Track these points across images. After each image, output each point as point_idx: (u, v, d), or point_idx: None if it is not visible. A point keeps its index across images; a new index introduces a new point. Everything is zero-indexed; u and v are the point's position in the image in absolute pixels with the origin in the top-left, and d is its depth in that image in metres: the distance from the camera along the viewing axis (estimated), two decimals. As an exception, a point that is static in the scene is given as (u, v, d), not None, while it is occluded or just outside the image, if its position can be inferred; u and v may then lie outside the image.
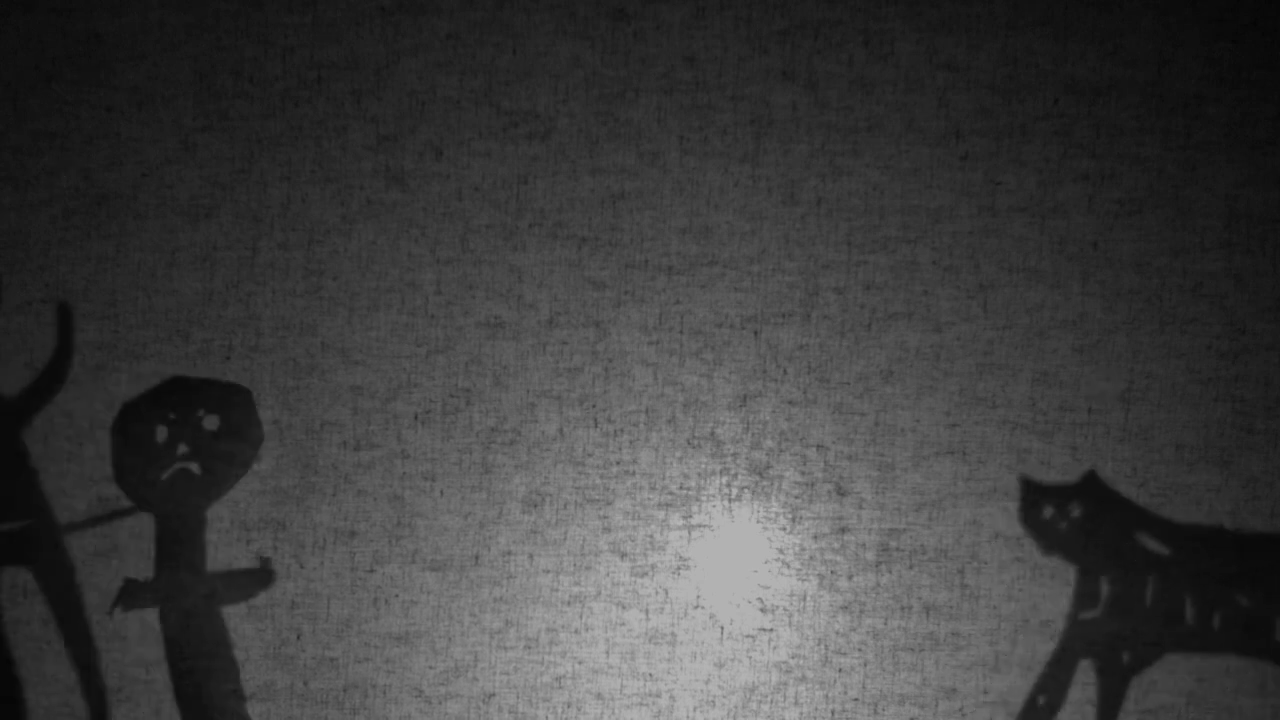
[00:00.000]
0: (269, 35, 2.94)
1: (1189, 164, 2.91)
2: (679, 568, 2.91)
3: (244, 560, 2.90)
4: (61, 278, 2.94)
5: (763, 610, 2.86)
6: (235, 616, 2.92)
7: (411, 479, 2.93)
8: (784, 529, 2.92)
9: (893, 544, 2.91)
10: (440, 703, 2.92)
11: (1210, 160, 2.91)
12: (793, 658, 2.89)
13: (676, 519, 2.90)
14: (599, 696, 2.90)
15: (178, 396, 2.88)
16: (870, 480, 2.91)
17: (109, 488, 2.93)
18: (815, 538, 2.92)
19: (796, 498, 2.91)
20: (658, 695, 2.90)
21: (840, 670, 2.90)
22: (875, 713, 2.88)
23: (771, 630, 2.88)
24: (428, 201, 2.94)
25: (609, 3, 2.93)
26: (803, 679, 2.89)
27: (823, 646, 2.89)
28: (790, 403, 2.92)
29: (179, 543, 2.85)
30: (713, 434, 2.92)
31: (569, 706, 2.91)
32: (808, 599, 2.90)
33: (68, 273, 2.94)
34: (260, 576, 2.88)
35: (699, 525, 2.90)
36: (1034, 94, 2.91)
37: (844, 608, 2.90)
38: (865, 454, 2.92)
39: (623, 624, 2.92)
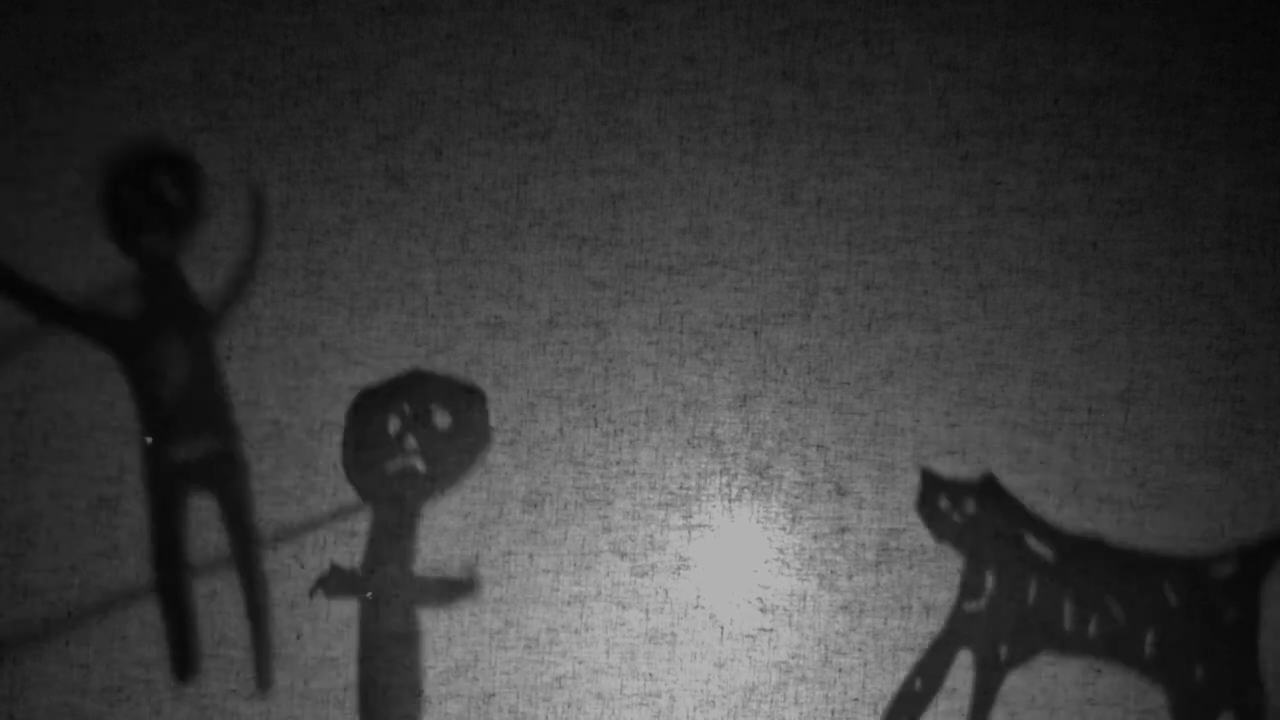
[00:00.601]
0: (269, 35, 2.94)
1: (1189, 164, 2.91)
2: (679, 568, 2.91)
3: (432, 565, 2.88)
4: (61, 278, 2.94)
5: (763, 610, 2.86)
6: (236, 616, 2.92)
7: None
8: (784, 529, 2.92)
9: (893, 544, 2.91)
10: (440, 702, 2.92)
11: (1210, 160, 2.91)
12: (793, 658, 2.89)
13: (676, 519, 2.90)
14: (599, 696, 2.90)
15: (415, 389, 2.84)
16: (870, 480, 2.91)
17: (110, 487, 2.93)
18: (815, 538, 2.92)
19: (796, 498, 2.91)
20: (658, 695, 2.90)
21: (840, 670, 2.90)
22: (875, 713, 2.88)
23: (771, 630, 2.88)
24: (428, 201, 2.94)
25: (609, 3, 2.93)
26: (803, 679, 2.89)
27: (823, 646, 2.89)
28: (790, 403, 2.92)
29: (391, 539, 2.81)
30: (713, 434, 2.92)
31: (569, 706, 2.91)
32: (808, 599, 2.90)
33: (68, 272, 2.94)
34: (463, 587, 2.85)
35: (699, 525, 2.90)
36: (1034, 94, 2.91)
37: (844, 608, 2.90)
38: (865, 454, 2.92)
39: (623, 624, 2.92)
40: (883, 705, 2.88)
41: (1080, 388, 2.91)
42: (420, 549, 2.86)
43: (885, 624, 2.88)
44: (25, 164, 2.94)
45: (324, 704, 2.92)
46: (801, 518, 2.92)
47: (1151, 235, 2.92)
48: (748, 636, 2.88)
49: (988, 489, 2.44)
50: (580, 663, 2.91)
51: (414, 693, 2.85)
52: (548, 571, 2.91)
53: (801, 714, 2.92)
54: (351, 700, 2.93)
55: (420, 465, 2.86)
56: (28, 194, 2.94)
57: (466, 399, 2.84)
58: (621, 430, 2.92)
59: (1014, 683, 2.89)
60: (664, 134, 2.93)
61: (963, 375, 2.92)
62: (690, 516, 2.92)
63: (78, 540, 2.93)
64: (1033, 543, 2.44)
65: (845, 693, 2.90)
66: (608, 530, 2.91)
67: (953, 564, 2.88)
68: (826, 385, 2.92)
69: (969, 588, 2.43)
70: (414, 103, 2.94)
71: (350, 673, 2.93)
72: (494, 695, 2.92)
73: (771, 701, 2.91)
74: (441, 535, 2.92)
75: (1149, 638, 2.41)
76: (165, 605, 2.85)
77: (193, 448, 2.74)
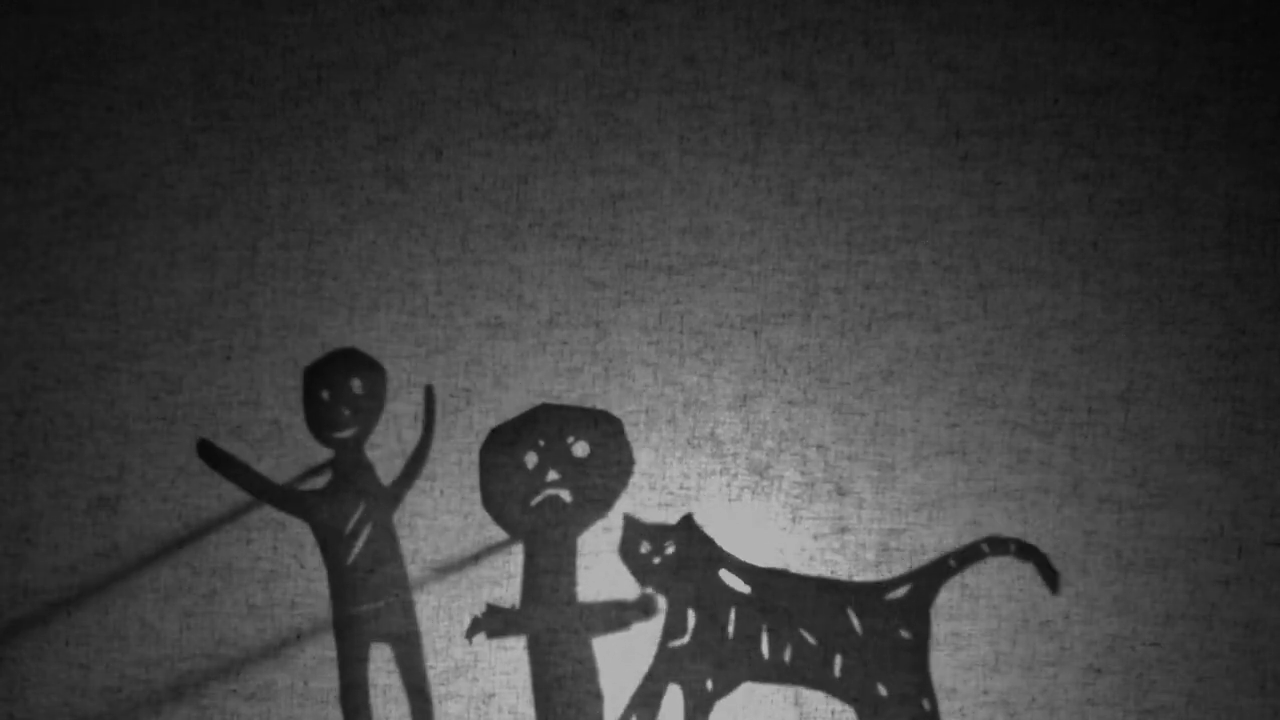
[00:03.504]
0: (269, 35, 2.94)
1: (1189, 164, 2.91)
2: (679, 567, 2.90)
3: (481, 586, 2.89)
4: (61, 278, 2.94)
5: (763, 610, 2.86)
6: (236, 616, 2.92)
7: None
8: (784, 529, 2.92)
9: (893, 544, 2.90)
10: (440, 702, 2.92)
11: (1210, 160, 2.91)
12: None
13: (677, 519, 2.90)
14: (599, 697, 2.90)
15: (548, 423, 2.86)
16: (870, 480, 2.91)
17: (110, 487, 2.93)
18: (815, 538, 2.91)
19: (796, 498, 2.91)
20: (657, 695, 2.89)
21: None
22: (875, 712, 2.87)
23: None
24: (428, 201, 2.94)
25: (609, 3, 2.93)
26: (803, 679, 2.88)
27: (822, 647, 2.88)
28: (790, 403, 2.92)
29: (546, 572, 2.82)
30: (713, 434, 2.92)
31: (569, 706, 2.91)
32: (808, 599, 2.90)
33: (68, 273, 2.94)
34: (641, 607, 2.83)
35: (699, 525, 2.90)
36: (1034, 94, 2.91)
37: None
38: (865, 454, 2.92)
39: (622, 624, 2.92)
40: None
41: (1080, 388, 2.91)
42: (578, 579, 2.86)
43: (885, 624, 2.88)
44: (25, 164, 2.94)
45: (324, 704, 2.92)
46: (801, 518, 2.92)
47: (1151, 235, 2.92)
48: (748, 636, 2.88)
49: (685, 529, 2.54)
50: (580, 663, 2.91)
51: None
52: (548, 572, 2.91)
53: (801, 714, 2.92)
54: (353, 699, 2.93)
55: (565, 495, 2.86)
56: (28, 194, 2.94)
57: (603, 427, 2.85)
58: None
59: (1014, 682, 2.89)
60: (664, 134, 2.93)
61: (963, 375, 2.92)
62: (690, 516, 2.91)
63: (78, 540, 2.93)
64: (729, 578, 2.56)
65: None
66: (608, 530, 2.91)
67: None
68: (826, 385, 2.92)
69: (672, 626, 2.55)
70: (414, 103, 2.94)
71: (352, 672, 2.93)
72: (494, 695, 2.92)
73: (771, 701, 2.91)
74: (442, 535, 2.92)
75: (837, 661, 2.56)
76: None
77: (374, 608, 2.90)
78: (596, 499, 2.87)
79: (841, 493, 2.90)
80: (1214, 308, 2.90)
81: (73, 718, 2.92)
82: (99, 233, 2.94)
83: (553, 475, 2.88)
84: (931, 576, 2.55)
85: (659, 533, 2.55)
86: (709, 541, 2.57)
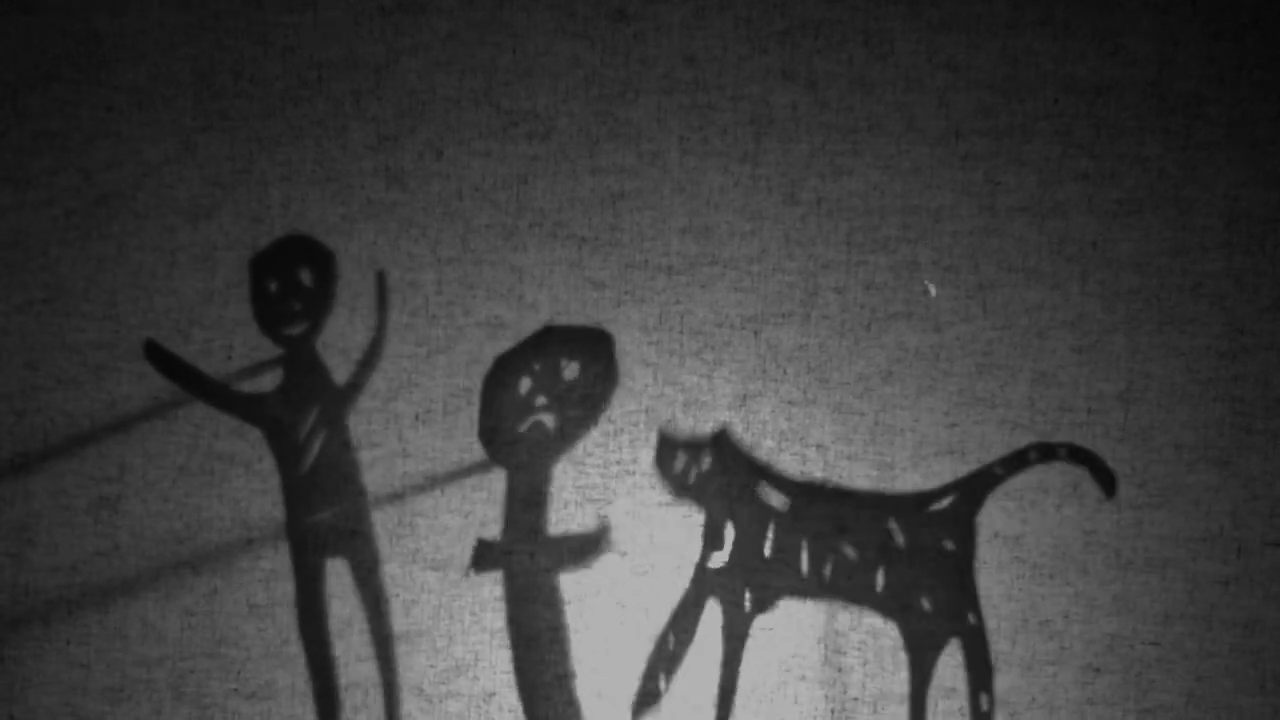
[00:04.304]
0: (269, 35, 2.94)
1: (1189, 164, 2.91)
2: (679, 567, 2.90)
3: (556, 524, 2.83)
4: (61, 278, 2.94)
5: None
6: (236, 616, 2.92)
7: (412, 478, 2.93)
8: (784, 529, 2.92)
9: (893, 544, 2.91)
10: (441, 701, 2.93)
11: (1210, 160, 2.91)
12: (793, 657, 2.89)
13: (676, 519, 2.90)
14: (599, 696, 2.91)
15: (546, 346, 2.79)
16: (870, 480, 2.91)
17: (110, 487, 2.93)
18: (815, 537, 2.91)
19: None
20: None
21: (840, 670, 2.90)
22: (875, 712, 2.88)
23: (771, 630, 2.88)
24: (428, 201, 2.94)
25: (609, 3, 2.93)
26: (803, 679, 2.89)
27: (822, 646, 2.89)
28: (790, 403, 2.92)
29: (523, 502, 2.76)
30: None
31: (569, 706, 2.91)
32: (808, 599, 2.90)
33: (68, 273, 2.94)
34: (596, 539, 2.77)
35: (699, 525, 2.90)
36: (1034, 94, 2.91)
37: (844, 607, 2.90)
38: (865, 454, 2.92)
39: (623, 623, 2.92)
40: (882, 704, 2.88)
41: (1080, 388, 2.91)
42: (549, 509, 2.83)
43: (885, 624, 2.88)
44: (25, 164, 2.94)
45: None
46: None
47: (1151, 235, 2.92)
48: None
49: (721, 443, 2.47)
50: (580, 662, 2.91)
51: (557, 640, 2.82)
52: (548, 571, 2.91)
53: (801, 714, 2.92)
54: (352, 699, 2.93)
55: (549, 420, 2.79)
56: (28, 194, 2.94)
57: (596, 347, 2.79)
58: (621, 430, 2.92)
59: (1014, 682, 2.90)
60: (664, 134, 2.93)
61: (963, 375, 2.92)
62: (690, 516, 2.92)
63: (78, 540, 2.93)
64: (767, 492, 2.49)
65: (845, 693, 2.90)
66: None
67: (952, 564, 2.88)
68: (826, 385, 2.92)
69: (710, 540, 2.48)
70: (414, 103, 2.94)
71: (353, 672, 2.93)
72: (494, 694, 2.92)
73: (771, 701, 2.91)
74: (443, 535, 2.92)
75: (879, 575, 2.49)
76: (311, 664, 2.88)
77: (326, 514, 2.85)
78: (576, 422, 2.85)
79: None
80: (1214, 308, 2.90)
81: (73, 718, 2.92)
82: (99, 233, 2.94)
83: (540, 400, 2.86)
84: (976, 486, 2.47)
85: (694, 446, 2.49)
86: (746, 455, 2.51)
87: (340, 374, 2.87)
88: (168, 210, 2.94)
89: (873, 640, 2.89)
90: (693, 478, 2.49)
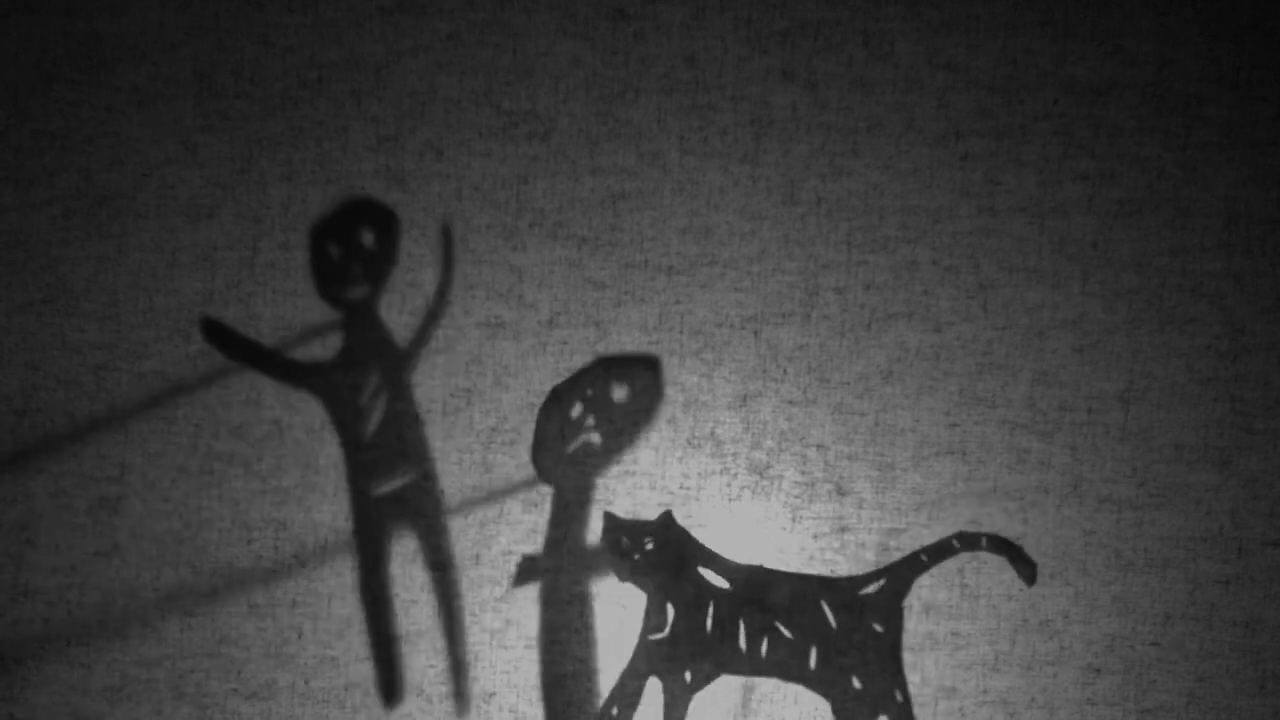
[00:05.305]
0: (269, 35, 2.94)
1: (1189, 164, 2.91)
2: (679, 567, 2.90)
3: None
4: (62, 278, 2.94)
5: (763, 610, 2.86)
6: (236, 616, 2.93)
7: (412, 478, 2.93)
8: (784, 529, 2.92)
9: (893, 544, 2.91)
10: (441, 701, 2.93)
11: (1210, 160, 2.91)
12: (793, 657, 2.89)
13: (677, 518, 2.90)
14: (599, 696, 2.91)
15: (598, 372, 2.88)
16: (870, 480, 2.91)
17: (110, 487, 2.93)
18: (815, 537, 2.92)
19: (796, 498, 2.92)
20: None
21: (840, 670, 2.89)
22: (875, 712, 2.88)
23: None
24: (428, 201, 2.94)
25: (609, 3, 2.93)
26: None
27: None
28: (790, 403, 2.92)
29: (570, 517, 2.81)
30: (713, 434, 2.92)
31: (569, 706, 2.91)
32: (808, 599, 2.90)
33: (68, 273, 2.94)
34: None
35: (699, 525, 2.90)
36: (1034, 94, 2.92)
37: (844, 607, 2.90)
38: (865, 454, 2.92)
39: (623, 623, 2.92)
40: (882, 704, 2.88)
41: (1080, 388, 2.91)
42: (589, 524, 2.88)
43: (885, 624, 2.88)
44: (26, 164, 2.94)
45: (324, 704, 2.93)
46: (801, 518, 2.92)
47: (1151, 235, 2.92)
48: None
49: (665, 526, 2.56)
50: (580, 662, 2.91)
51: (592, 676, 2.84)
52: (548, 571, 2.91)
53: (801, 714, 2.92)
54: (352, 699, 2.93)
55: (596, 439, 2.88)
56: (28, 194, 2.94)
57: (642, 369, 2.86)
58: (621, 431, 2.92)
59: (1014, 682, 2.90)
60: (664, 134, 2.93)
61: (963, 375, 2.92)
62: (690, 516, 2.92)
63: (78, 540, 2.93)
64: (707, 573, 2.58)
65: (845, 692, 2.90)
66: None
67: (953, 564, 2.88)
68: (826, 385, 2.93)
69: (651, 620, 2.57)
70: (414, 103, 2.94)
71: (353, 672, 2.93)
72: (494, 694, 2.92)
73: (771, 701, 2.91)
74: (442, 534, 2.92)
75: (813, 654, 2.58)
76: (373, 635, 2.88)
77: (392, 481, 2.84)
78: (618, 438, 2.88)
79: (841, 492, 2.91)
80: (1213, 308, 2.91)
81: (73, 718, 2.93)
82: (99, 233, 2.94)
83: (589, 421, 2.89)
84: (904, 571, 2.57)
85: (638, 528, 2.58)
86: (687, 537, 2.60)
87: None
88: (168, 210, 2.94)
89: (873, 640, 2.89)
90: (637, 557, 2.58)
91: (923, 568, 2.58)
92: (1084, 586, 2.90)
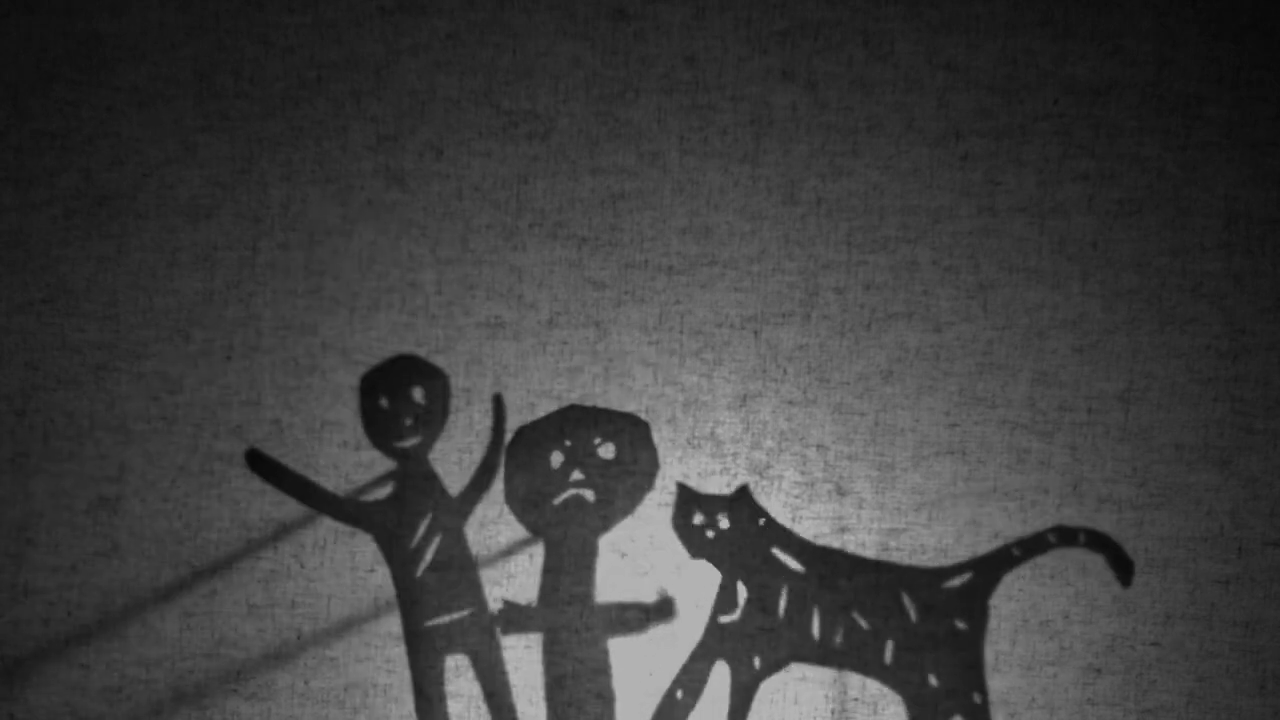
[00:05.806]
0: (269, 35, 2.94)
1: (1189, 164, 2.91)
2: (679, 567, 2.90)
3: (617, 590, 2.86)
4: (61, 278, 2.94)
5: (763, 610, 2.86)
6: (236, 616, 2.92)
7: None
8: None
9: (893, 544, 2.91)
10: (440, 701, 2.92)
11: (1210, 160, 2.91)
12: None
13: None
14: (599, 696, 2.90)
15: (576, 424, 2.85)
16: (870, 480, 2.91)
17: (110, 487, 2.93)
18: (815, 537, 2.92)
19: (796, 498, 2.91)
20: (658, 695, 2.89)
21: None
22: (875, 712, 2.88)
23: (771, 630, 2.88)
24: (428, 201, 2.94)
25: (609, 3, 2.93)
26: (803, 679, 2.89)
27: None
28: (790, 403, 2.92)
29: (565, 571, 2.81)
30: (713, 434, 2.92)
31: (569, 706, 2.91)
32: (808, 599, 2.90)
33: (68, 273, 2.94)
34: (659, 609, 2.79)
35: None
36: (1034, 94, 2.92)
37: (844, 607, 2.89)
38: (865, 454, 2.92)
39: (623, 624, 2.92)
40: (882, 705, 2.88)
41: (1080, 388, 2.91)
42: (598, 580, 2.86)
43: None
44: (25, 164, 2.94)
45: (324, 704, 2.92)
46: (801, 518, 2.92)
47: (1151, 235, 2.92)
48: (748, 636, 2.88)
49: (740, 502, 2.49)
50: (581, 662, 2.91)
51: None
52: (548, 571, 2.91)
53: (801, 714, 2.92)
54: (352, 700, 2.93)
55: (589, 496, 2.85)
56: (28, 194, 2.94)
57: (631, 430, 2.83)
58: (621, 431, 2.92)
59: (1014, 682, 2.90)
60: (664, 134, 2.93)
61: (963, 375, 2.92)
62: (690, 516, 2.91)
63: (78, 540, 2.93)
64: (782, 555, 2.51)
65: (845, 693, 2.90)
66: (608, 530, 2.91)
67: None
68: (826, 385, 2.92)
69: (722, 602, 2.50)
70: (414, 103, 2.94)
71: (352, 672, 2.93)
72: (494, 695, 2.92)
73: (771, 701, 2.91)
74: (442, 534, 2.92)
75: (889, 647, 2.51)
76: None
77: (446, 617, 2.88)
78: (620, 501, 2.87)
79: (841, 493, 2.91)
80: (1214, 308, 2.91)
81: (73, 718, 2.92)
82: (99, 233, 2.94)
83: (577, 475, 2.88)
84: (993, 566, 2.48)
85: (713, 504, 2.50)
86: (764, 516, 2.52)
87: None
88: (168, 210, 2.94)
89: (873, 640, 2.89)
90: (710, 535, 2.50)
91: (1014, 563, 2.48)
92: (1084, 586, 2.90)
